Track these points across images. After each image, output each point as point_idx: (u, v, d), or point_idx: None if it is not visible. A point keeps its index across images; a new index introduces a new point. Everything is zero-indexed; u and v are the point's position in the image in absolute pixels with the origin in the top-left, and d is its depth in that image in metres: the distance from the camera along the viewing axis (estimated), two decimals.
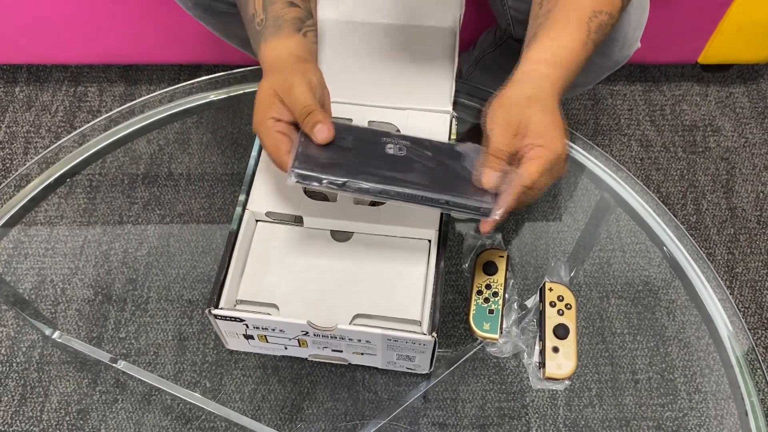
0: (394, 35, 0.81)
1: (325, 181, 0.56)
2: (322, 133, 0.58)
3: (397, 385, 0.68)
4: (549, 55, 0.61)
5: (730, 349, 0.73)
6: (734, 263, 1.23)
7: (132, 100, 1.36)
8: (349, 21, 0.83)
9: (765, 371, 0.72)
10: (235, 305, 0.64)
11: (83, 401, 0.68)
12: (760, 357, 1.11)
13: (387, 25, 0.81)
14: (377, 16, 0.83)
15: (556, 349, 0.67)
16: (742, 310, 1.18)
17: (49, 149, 0.85)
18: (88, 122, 1.33)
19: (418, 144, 0.61)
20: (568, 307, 0.70)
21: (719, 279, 0.77)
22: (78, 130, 0.87)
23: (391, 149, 0.60)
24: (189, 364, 0.70)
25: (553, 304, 0.70)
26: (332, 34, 0.81)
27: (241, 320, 0.60)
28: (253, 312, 0.61)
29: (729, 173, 1.33)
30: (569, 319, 0.69)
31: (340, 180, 0.56)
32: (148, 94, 1.37)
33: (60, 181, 0.84)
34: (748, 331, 0.74)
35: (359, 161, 0.58)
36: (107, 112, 1.34)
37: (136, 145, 0.88)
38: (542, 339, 0.68)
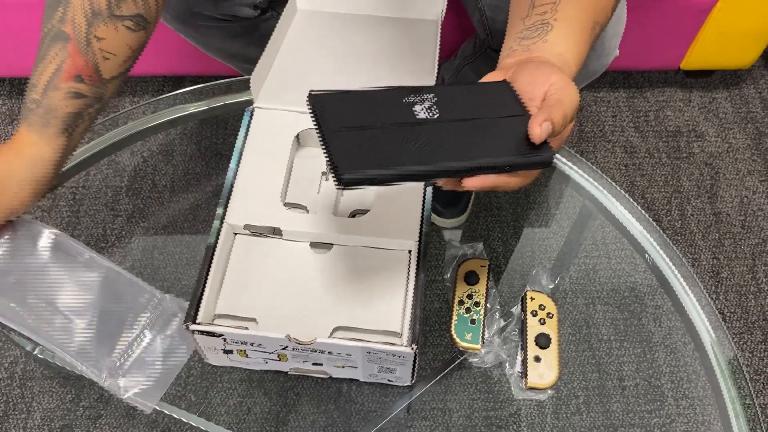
0: (376, 27, 0.82)
1: (378, 179, 0.48)
2: None
3: (384, 396, 0.68)
4: (562, 50, 0.57)
5: (713, 356, 0.73)
6: (719, 268, 1.23)
7: (115, 112, 1.37)
8: (329, 12, 0.83)
9: (748, 379, 0.72)
10: (213, 320, 0.63)
11: (66, 417, 0.68)
12: (742, 364, 1.12)
13: (368, 17, 0.82)
14: (359, 8, 0.84)
15: (538, 359, 0.67)
16: (728, 314, 1.19)
17: None
18: None
19: (443, 97, 0.54)
20: (549, 316, 0.70)
21: (701, 286, 0.77)
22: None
23: (421, 112, 0.52)
24: (179, 370, 0.69)
25: (534, 314, 0.70)
26: (311, 26, 0.81)
27: (219, 335, 0.60)
28: (231, 327, 0.60)
29: (713, 178, 1.34)
30: (551, 328, 0.69)
31: (395, 172, 0.48)
32: (130, 106, 1.38)
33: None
34: (731, 339, 0.74)
35: (399, 139, 0.50)
36: None
37: (119, 157, 0.87)
38: (524, 348, 0.68)
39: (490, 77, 0.56)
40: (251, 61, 0.77)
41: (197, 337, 0.61)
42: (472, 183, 0.49)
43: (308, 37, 0.82)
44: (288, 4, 0.83)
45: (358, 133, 0.50)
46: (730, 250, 1.25)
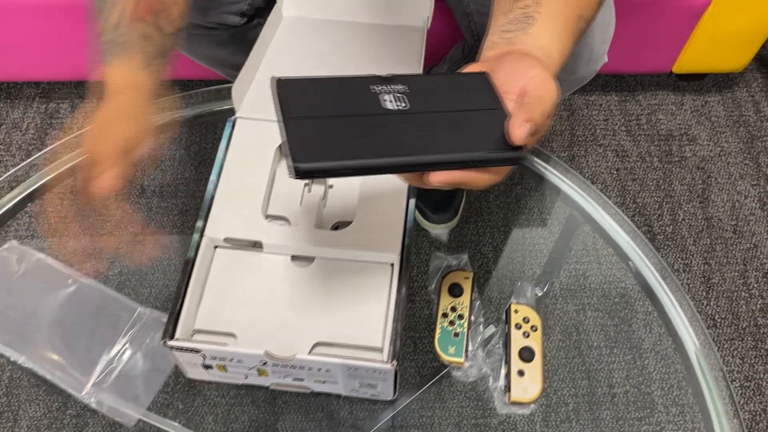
0: (362, 33, 0.81)
1: (335, 172, 0.46)
2: (100, 186, 0.55)
3: (372, 404, 0.67)
4: (545, 42, 0.55)
5: (696, 365, 0.72)
6: (710, 273, 1.23)
7: None
8: (315, 19, 0.83)
9: (732, 390, 0.72)
10: (192, 335, 0.62)
11: (53, 425, 0.67)
12: (733, 371, 1.12)
13: (354, 23, 0.81)
14: (344, 14, 0.84)
15: (521, 373, 0.67)
16: (719, 320, 1.18)
17: (19, 167, 0.84)
18: (60, 140, 1.33)
19: (416, 87, 0.51)
20: (533, 329, 0.69)
21: (686, 295, 0.76)
22: (48, 148, 0.86)
23: (389, 103, 0.50)
24: (161, 385, 0.69)
25: (518, 326, 0.69)
26: (296, 33, 0.81)
27: (198, 351, 0.59)
28: (209, 342, 0.60)
29: (705, 182, 1.34)
30: (535, 342, 0.68)
31: (353, 164, 0.46)
32: None
33: (30, 199, 0.83)
34: (716, 349, 0.74)
35: (362, 130, 0.48)
36: (79, 129, 1.33)
37: None
38: (507, 362, 0.68)
39: (469, 69, 0.54)
40: (239, 69, 0.76)
41: (176, 353, 0.60)
42: (437, 178, 0.47)
43: (293, 44, 0.81)
44: (273, 10, 0.82)
45: (320, 122, 0.48)
46: (722, 255, 1.25)
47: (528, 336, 0.69)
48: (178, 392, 0.68)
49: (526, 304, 0.72)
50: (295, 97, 0.49)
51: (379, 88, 0.50)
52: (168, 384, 0.68)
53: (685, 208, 1.30)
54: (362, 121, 0.48)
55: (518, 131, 0.47)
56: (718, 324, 1.18)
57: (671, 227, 1.28)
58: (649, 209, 1.30)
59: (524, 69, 0.51)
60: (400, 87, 0.51)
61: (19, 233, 0.80)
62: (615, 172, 1.34)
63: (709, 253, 1.25)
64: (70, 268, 0.73)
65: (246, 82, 0.75)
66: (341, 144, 0.47)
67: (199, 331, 0.63)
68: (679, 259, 1.24)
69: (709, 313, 1.18)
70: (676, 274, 1.22)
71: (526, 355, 0.67)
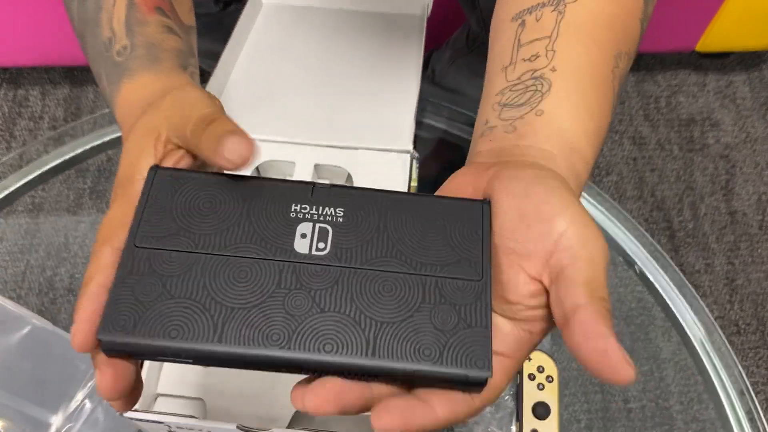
0: (352, 23, 0.72)
1: (152, 356, 0.31)
2: (235, 149, 0.32)
3: None
4: (567, 124, 0.36)
5: (716, 379, 0.66)
6: (734, 274, 1.14)
7: (77, 103, 1.26)
8: (299, 6, 0.74)
9: (758, 405, 0.66)
10: (155, 399, 0.54)
11: None
12: (749, 386, 1.04)
13: (343, 11, 0.72)
14: (332, 1, 0.74)
15: None
16: (743, 326, 1.10)
17: None
18: (29, 129, 1.24)
19: (357, 215, 0.33)
20: (549, 380, 0.61)
21: (698, 297, 0.69)
22: (18, 151, 0.77)
23: (305, 240, 0.32)
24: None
25: (532, 377, 0.61)
26: (278, 23, 0.71)
27: (160, 423, 0.51)
28: (173, 414, 0.51)
29: (729, 173, 1.24)
30: (551, 395, 0.60)
31: (184, 350, 0.29)
32: (94, 97, 1.27)
33: None
34: (737, 361, 0.67)
35: (231, 290, 0.31)
36: (50, 118, 1.24)
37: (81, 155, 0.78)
38: (519, 419, 0.59)
39: (457, 181, 0.35)
40: (217, 58, 0.66)
41: (137, 423, 0.52)
42: (328, 405, 0.29)
43: (274, 37, 0.71)
44: None
45: (174, 261, 0.31)
46: (747, 254, 1.16)
47: (543, 389, 0.60)
48: None
49: (541, 349, 0.63)
50: (163, 207, 0.33)
51: (302, 212, 0.33)
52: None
53: (708, 202, 1.21)
54: (242, 271, 0.31)
55: (628, 370, 0.27)
56: (742, 331, 1.10)
57: (692, 223, 1.19)
58: (668, 203, 1.20)
59: (546, 218, 0.30)
60: (332, 211, 0.33)
61: None
62: (632, 161, 1.24)
63: (733, 252, 1.16)
64: (22, 308, 0.65)
65: (217, 88, 0.66)
66: (185, 311, 0.30)
67: (162, 395, 0.54)
68: (701, 259, 1.15)
69: (733, 318, 1.10)
70: (697, 275, 1.13)
71: (541, 411, 0.59)
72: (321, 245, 0.32)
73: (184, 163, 0.36)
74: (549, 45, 0.38)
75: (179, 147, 0.36)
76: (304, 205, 0.33)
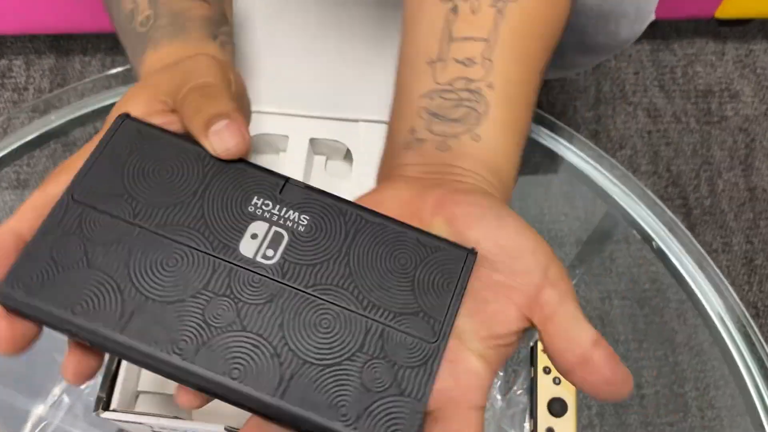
0: (352, 4, 0.66)
1: (54, 325, 0.28)
2: (221, 138, 0.29)
3: None
4: (501, 149, 0.35)
5: (739, 360, 0.63)
6: (753, 254, 1.10)
7: (63, 74, 1.21)
8: None
9: None
10: (136, 397, 0.50)
11: None
12: None
13: None
14: None
15: (550, 431, 0.54)
16: (762, 309, 1.06)
17: None
18: (13, 101, 1.18)
19: (322, 226, 0.29)
20: None
21: (720, 274, 0.66)
22: (0, 117, 0.73)
23: (254, 242, 0.28)
24: None
25: (547, 370, 0.56)
26: (265, 5, 0.65)
27: (141, 423, 0.47)
28: (156, 414, 0.47)
29: (748, 147, 1.20)
30: (568, 390, 0.56)
31: (82, 329, 0.27)
32: (81, 67, 1.21)
33: None
34: (766, 346, 0.65)
35: (164, 277, 0.28)
36: (35, 89, 1.19)
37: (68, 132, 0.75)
38: (533, 416, 0.55)
39: (391, 195, 0.32)
40: None
41: (117, 423, 0.48)
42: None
43: (260, 15, 0.64)
44: None
45: (108, 227, 0.28)
46: (766, 233, 1.12)
47: (559, 383, 0.56)
48: None
49: None
50: (116, 162, 0.29)
51: (265, 208, 0.29)
52: None
53: (726, 177, 1.17)
54: (175, 259, 0.28)
55: (603, 354, 0.28)
56: (761, 313, 1.06)
57: (709, 200, 1.14)
58: (684, 178, 1.16)
59: (526, 248, 0.30)
60: (293, 216, 0.29)
61: None
62: (646, 135, 1.19)
63: (752, 230, 1.12)
64: None
65: None
66: (98, 289, 0.27)
67: (144, 393, 0.50)
68: (718, 237, 1.11)
69: (751, 300, 1.07)
70: (714, 254, 1.09)
71: (557, 408, 0.55)
72: (269, 252, 0.28)
73: (174, 129, 0.32)
74: (486, 52, 0.35)
75: (174, 111, 0.33)
76: (267, 201, 0.29)
